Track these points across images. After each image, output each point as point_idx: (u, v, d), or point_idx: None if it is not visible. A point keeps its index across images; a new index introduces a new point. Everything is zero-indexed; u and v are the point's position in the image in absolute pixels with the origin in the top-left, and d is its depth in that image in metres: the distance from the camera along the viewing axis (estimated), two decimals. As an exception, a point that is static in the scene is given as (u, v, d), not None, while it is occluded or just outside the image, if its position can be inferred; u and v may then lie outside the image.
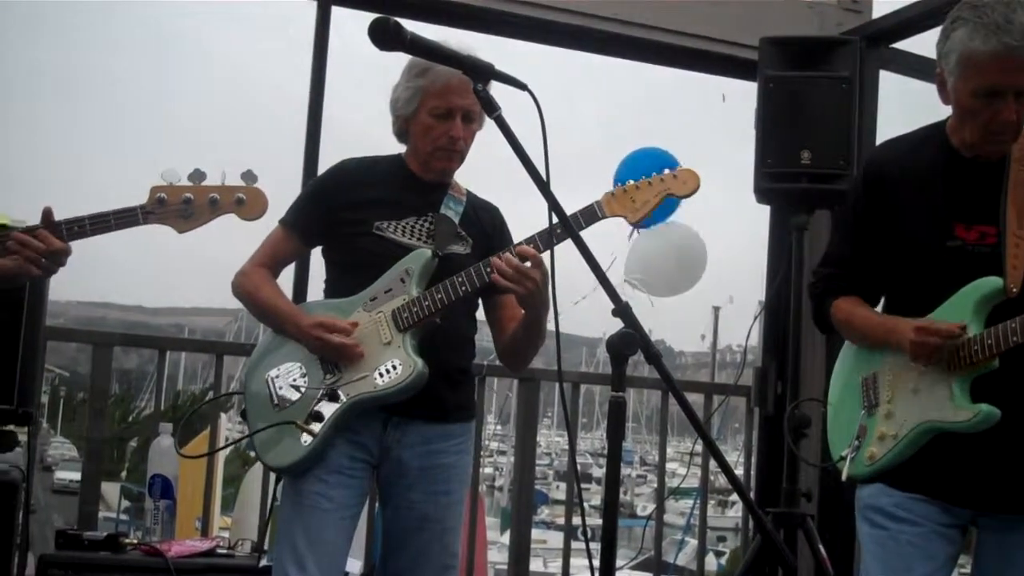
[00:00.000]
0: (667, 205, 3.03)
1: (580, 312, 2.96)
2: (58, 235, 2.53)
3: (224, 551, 3.66)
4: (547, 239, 2.75)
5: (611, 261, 5.30)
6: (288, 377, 2.93)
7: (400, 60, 2.98)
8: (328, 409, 2.85)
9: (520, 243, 2.83)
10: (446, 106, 2.92)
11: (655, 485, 5.58)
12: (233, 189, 2.61)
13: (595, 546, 2.28)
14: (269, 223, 3.05)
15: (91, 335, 4.45)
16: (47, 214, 2.54)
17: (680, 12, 4.88)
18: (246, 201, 2.61)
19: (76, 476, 9.45)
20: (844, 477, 2.71)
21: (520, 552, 4.76)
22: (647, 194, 2.85)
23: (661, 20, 4.88)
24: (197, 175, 2.59)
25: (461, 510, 3.09)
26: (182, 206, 2.57)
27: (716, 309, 44.97)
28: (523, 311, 2.90)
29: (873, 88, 4.66)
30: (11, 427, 3.52)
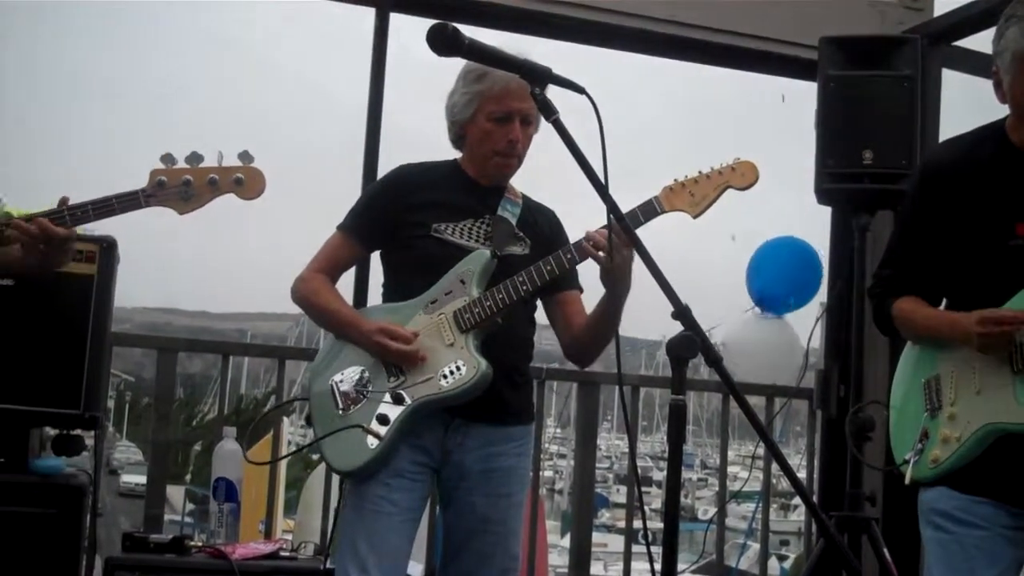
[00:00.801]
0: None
1: (640, 315, 2.94)
2: (59, 222, 2.57)
3: (287, 553, 3.69)
4: (607, 237, 2.74)
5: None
6: (352, 381, 2.94)
7: (457, 65, 2.99)
8: (393, 412, 2.86)
9: (581, 239, 2.83)
10: (504, 110, 2.93)
11: (716, 488, 5.54)
12: (231, 170, 2.63)
13: (656, 550, 2.27)
14: (323, 224, 3.08)
15: (156, 340, 4.51)
16: (62, 203, 2.59)
17: (738, 13, 4.85)
18: (244, 181, 2.64)
19: (142, 479, 9.57)
20: (908, 480, 2.68)
21: (580, 555, 4.75)
22: (706, 187, 2.83)
23: (719, 21, 4.85)
24: (194, 157, 2.62)
25: (522, 513, 3.10)
26: (182, 188, 2.60)
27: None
28: (606, 293, 2.84)
29: (936, 87, 4.60)
30: (78, 431, 3.57)
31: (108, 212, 2.59)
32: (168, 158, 2.60)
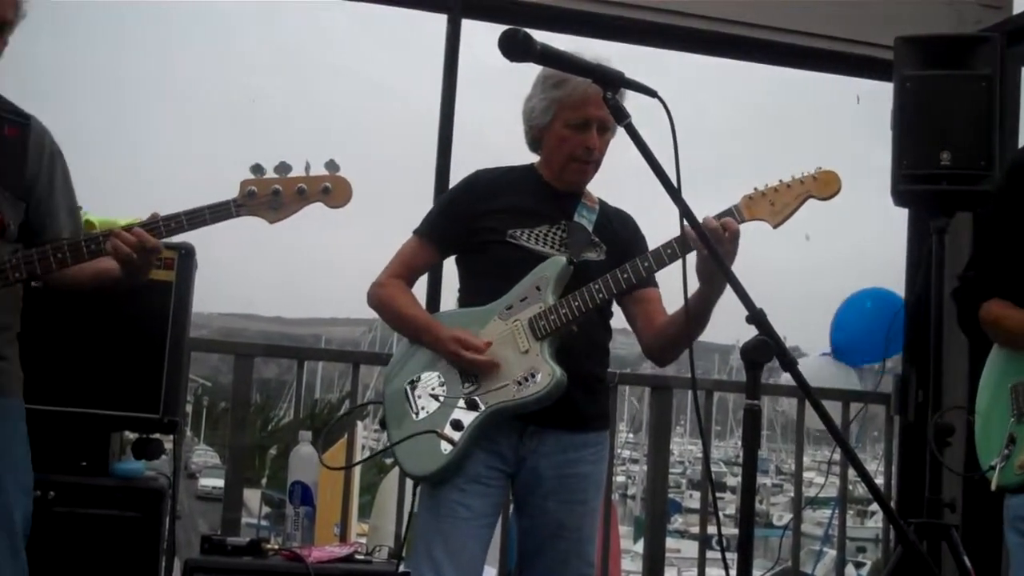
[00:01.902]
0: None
1: (712, 317, 2.91)
2: (155, 233, 2.62)
3: (362, 557, 3.72)
4: (681, 245, 2.73)
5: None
6: (427, 386, 2.95)
7: (529, 70, 3.00)
8: (467, 418, 2.87)
9: (662, 246, 2.82)
10: (582, 117, 2.92)
11: (791, 494, 5.48)
12: (319, 179, 2.67)
13: (731, 556, 2.25)
14: (396, 230, 3.10)
15: (233, 346, 4.55)
16: (153, 217, 2.65)
17: (812, 13, 4.81)
18: (332, 189, 2.68)
19: (219, 483, 9.69)
20: (994, 487, 2.63)
21: (654, 561, 4.73)
22: (787, 197, 2.79)
23: (792, 22, 4.81)
24: (283, 167, 2.66)
25: (597, 519, 3.09)
26: (271, 197, 2.64)
27: (852, 315, 43.95)
28: (699, 288, 2.77)
29: (1015, 86, 4.52)
30: (157, 436, 3.63)
31: (200, 223, 2.65)
32: (257, 168, 2.65)
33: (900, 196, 4.18)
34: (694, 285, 2.73)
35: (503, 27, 2.30)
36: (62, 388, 3.03)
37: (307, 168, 2.67)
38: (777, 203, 2.79)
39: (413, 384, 2.98)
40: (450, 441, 2.85)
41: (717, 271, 2.66)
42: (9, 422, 2.75)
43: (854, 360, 6.09)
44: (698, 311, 2.78)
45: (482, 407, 2.87)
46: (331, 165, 2.67)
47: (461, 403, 2.89)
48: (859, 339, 5.93)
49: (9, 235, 2.70)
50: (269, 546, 3.63)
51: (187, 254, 3.57)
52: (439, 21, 4.60)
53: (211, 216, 2.65)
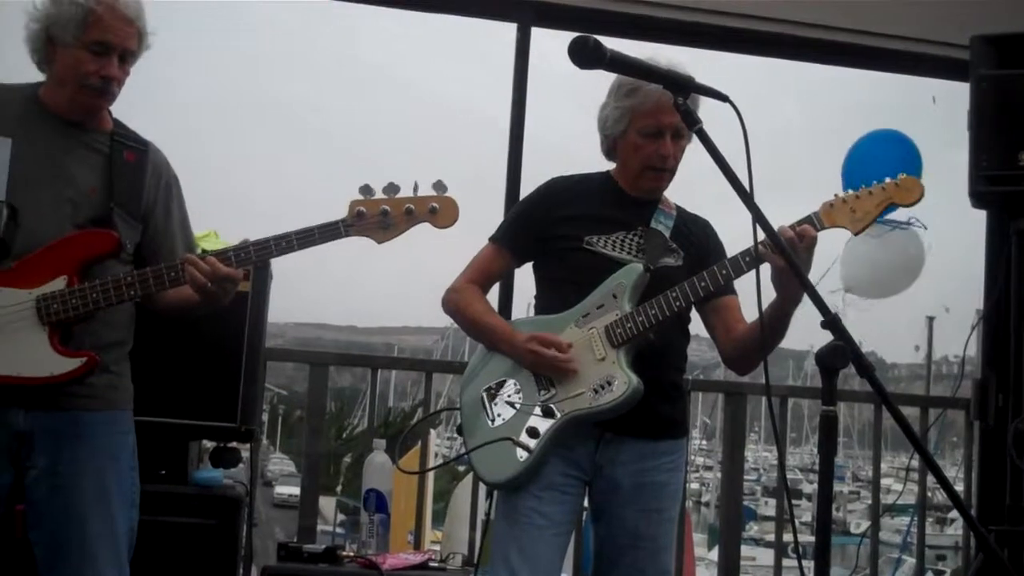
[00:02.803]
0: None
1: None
2: (267, 254, 2.69)
3: (436, 564, 3.74)
4: (757, 254, 2.70)
5: (827, 269, 5.24)
6: (503, 393, 2.96)
7: (599, 77, 2.99)
8: (543, 425, 2.87)
9: (741, 253, 2.80)
10: (655, 125, 2.91)
11: (869, 501, 5.41)
12: (427, 199, 2.71)
13: (807, 564, 2.23)
14: (465, 239, 3.11)
15: (308, 355, 4.59)
16: (243, 244, 2.72)
17: (884, 14, 4.75)
18: (439, 210, 2.72)
19: (295, 491, 9.77)
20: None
21: (729, 569, 4.69)
22: (868, 204, 2.75)
23: (865, 23, 4.76)
24: (391, 188, 2.70)
25: (674, 528, 3.07)
26: (380, 218, 2.69)
27: (930, 319, 43.25)
28: (776, 297, 2.74)
29: (1095, 83, 4.41)
30: (235, 444, 3.68)
31: (310, 242, 2.70)
32: (366, 189, 2.70)
33: (978, 197, 4.10)
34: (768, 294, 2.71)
35: (573, 34, 2.30)
36: (142, 398, 3.07)
37: (415, 188, 2.71)
38: (858, 210, 2.75)
39: (489, 391, 2.98)
40: (526, 448, 2.85)
41: (792, 279, 2.64)
42: (119, 435, 2.83)
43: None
44: (774, 322, 2.75)
45: (558, 414, 2.86)
46: (439, 186, 2.71)
47: (537, 410, 2.89)
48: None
49: (125, 255, 2.78)
50: (344, 553, 3.67)
51: (262, 266, 3.61)
52: (510, 30, 4.63)
53: (320, 236, 2.70)
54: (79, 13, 2.70)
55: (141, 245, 2.85)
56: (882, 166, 2.99)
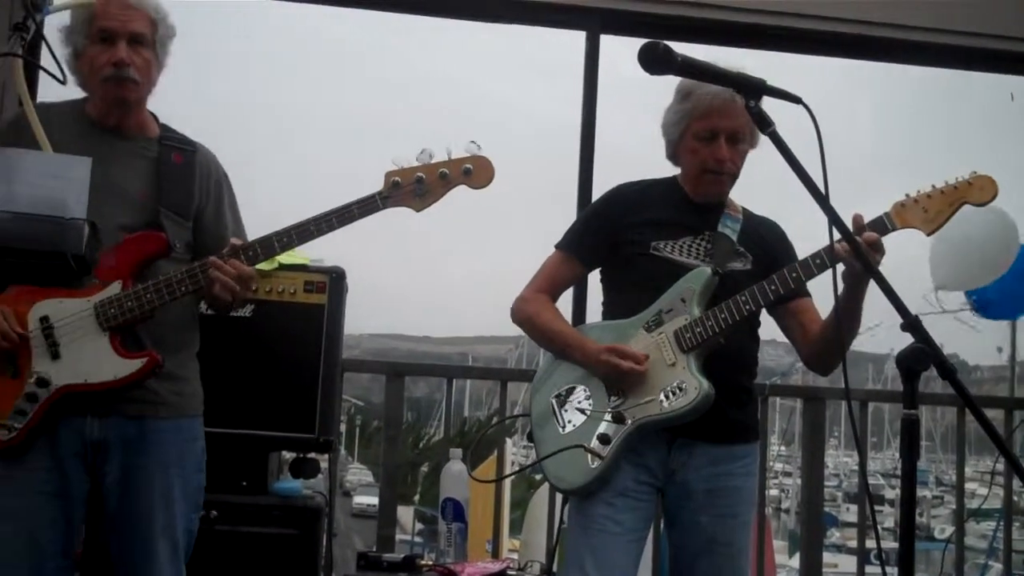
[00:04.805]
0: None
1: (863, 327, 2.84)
2: (309, 235, 2.73)
3: (514, 572, 3.73)
4: (831, 255, 2.67)
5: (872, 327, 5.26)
6: (573, 400, 2.96)
7: (669, 83, 2.99)
8: (614, 431, 2.86)
9: (811, 256, 2.77)
10: (709, 129, 2.91)
11: (953, 506, 5.31)
12: (460, 161, 2.72)
13: (891, 570, 2.19)
14: (539, 247, 3.12)
15: (384, 365, 4.62)
16: (233, 248, 2.75)
17: (959, 11, 4.67)
18: (473, 170, 2.73)
19: (373, 500, 9.85)
20: None
21: (811, 576, 4.64)
22: (940, 204, 2.70)
23: (939, 21, 4.68)
24: (425, 155, 2.71)
25: (750, 533, 3.05)
26: (415, 185, 2.70)
27: (1013, 321, 42.41)
28: (844, 289, 2.71)
29: None
30: (313, 455, 3.71)
31: (349, 219, 2.72)
32: (400, 158, 2.71)
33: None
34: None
35: (642, 40, 2.29)
36: (221, 410, 3.12)
37: (448, 152, 2.72)
38: (931, 210, 2.71)
39: (559, 398, 2.98)
40: (597, 455, 2.84)
41: (862, 276, 2.67)
42: (186, 441, 2.89)
43: (999, 313, 5.77)
44: (847, 311, 2.74)
45: (629, 421, 2.86)
46: (472, 146, 2.71)
47: (608, 417, 2.88)
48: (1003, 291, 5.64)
49: (177, 254, 2.84)
50: (423, 562, 3.67)
51: (338, 277, 3.65)
52: (579, 39, 4.63)
53: (359, 211, 2.73)
54: (84, 14, 2.80)
55: (196, 242, 2.91)
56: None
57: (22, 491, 2.71)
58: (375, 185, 2.72)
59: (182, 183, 2.89)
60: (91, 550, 2.94)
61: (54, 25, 2.86)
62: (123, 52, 2.78)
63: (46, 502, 2.71)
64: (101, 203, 2.75)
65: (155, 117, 2.98)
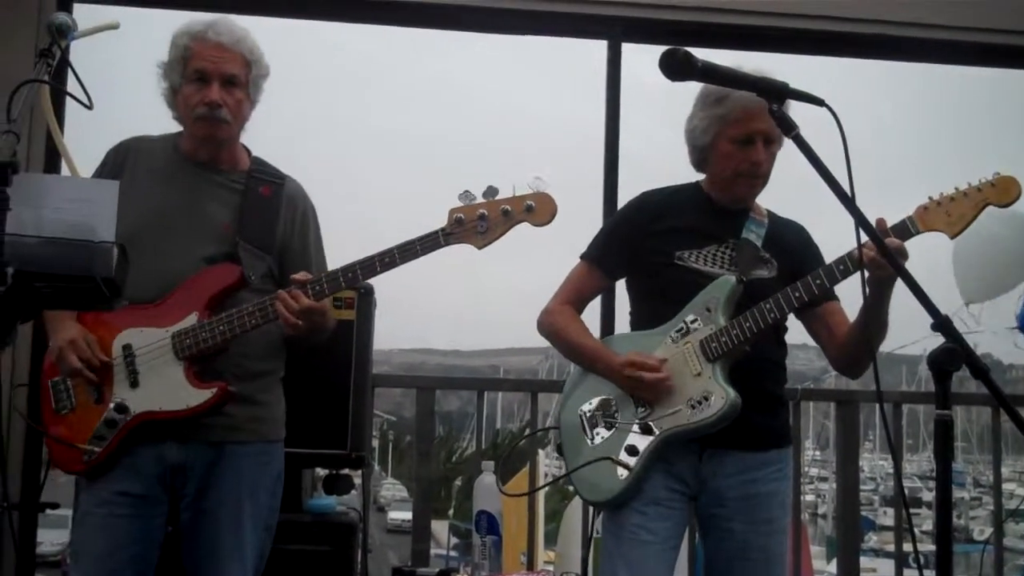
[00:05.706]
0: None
1: (894, 328, 2.82)
2: (371, 272, 2.75)
3: (550, 584, 3.72)
4: (858, 258, 2.66)
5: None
6: (601, 412, 2.96)
7: (689, 89, 2.98)
8: (642, 443, 2.86)
9: (835, 261, 2.76)
10: (745, 132, 2.89)
11: (991, 507, 5.25)
12: (522, 198, 2.73)
13: (929, 574, 2.17)
14: (566, 257, 3.11)
15: (414, 380, 4.63)
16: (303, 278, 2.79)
17: (987, 8, 4.64)
18: (535, 207, 2.73)
19: (407, 515, 9.86)
20: None
21: (849, 581, 4.60)
22: (963, 206, 2.68)
23: (965, 19, 4.65)
24: (490, 191, 2.73)
25: (786, 538, 3.03)
26: (478, 222, 2.71)
27: (1047, 317, 42.03)
28: (870, 291, 2.69)
29: None
30: (347, 471, 3.72)
31: (412, 255, 2.75)
32: (466, 195, 2.73)
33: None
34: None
35: (663, 48, 2.29)
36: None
37: (513, 190, 2.73)
38: (954, 213, 2.68)
39: (588, 411, 2.98)
40: (625, 467, 2.85)
41: (887, 280, 2.67)
42: (262, 465, 2.94)
43: None
44: (872, 312, 2.75)
45: (656, 432, 2.85)
46: (536, 182, 2.72)
47: (635, 428, 2.88)
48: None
49: (255, 286, 2.88)
50: (459, 576, 3.67)
51: (366, 294, 3.66)
52: (600, 47, 4.63)
53: (422, 248, 2.75)
54: (180, 54, 2.87)
55: (282, 274, 2.95)
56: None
57: (104, 510, 2.80)
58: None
59: (265, 215, 2.94)
60: (168, 569, 2.97)
61: (78, 50, 2.89)
62: (215, 94, 2.85)
63: (128, 523, 2.80)
64: (186, 234, 2.83)
65: (248, 151, 3.04)
